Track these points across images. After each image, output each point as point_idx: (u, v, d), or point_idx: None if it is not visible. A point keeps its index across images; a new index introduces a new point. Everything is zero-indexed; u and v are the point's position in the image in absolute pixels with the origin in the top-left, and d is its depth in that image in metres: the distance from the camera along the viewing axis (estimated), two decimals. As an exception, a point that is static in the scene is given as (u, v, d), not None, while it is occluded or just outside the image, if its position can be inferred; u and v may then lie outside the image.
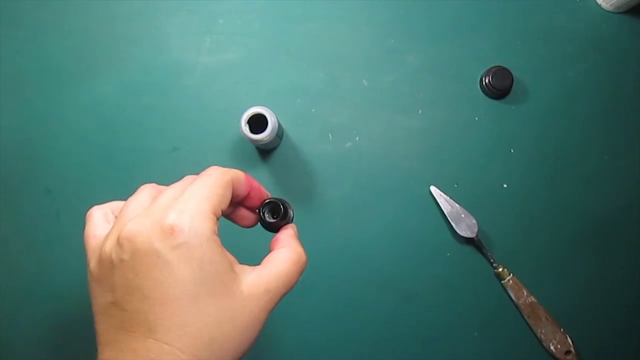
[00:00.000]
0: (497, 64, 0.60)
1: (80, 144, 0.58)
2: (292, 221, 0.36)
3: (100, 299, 0.30)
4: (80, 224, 0.59)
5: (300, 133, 0.59)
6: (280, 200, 0.34)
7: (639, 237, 0.60)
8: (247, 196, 0.34)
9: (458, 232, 0.58)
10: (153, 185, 0.35)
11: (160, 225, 0.28)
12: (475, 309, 0.59)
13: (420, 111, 0.61)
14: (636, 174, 0.61)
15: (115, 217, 0.35)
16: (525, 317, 0.58)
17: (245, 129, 0.50)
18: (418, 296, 0.58)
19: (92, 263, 0.31)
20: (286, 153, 0.59)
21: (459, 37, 0.61)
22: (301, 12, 0.61)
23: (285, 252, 0.33)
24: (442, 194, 0.59)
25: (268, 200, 0.35)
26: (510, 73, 0.60)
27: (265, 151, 0.59)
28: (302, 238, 0.59)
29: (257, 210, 0.35)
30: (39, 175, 0.57)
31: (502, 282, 0.58)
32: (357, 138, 0.60)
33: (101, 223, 0.36)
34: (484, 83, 0.60)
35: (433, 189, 0.59)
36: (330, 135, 0.60)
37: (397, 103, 0.61)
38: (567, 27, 0.63)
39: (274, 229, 0.35)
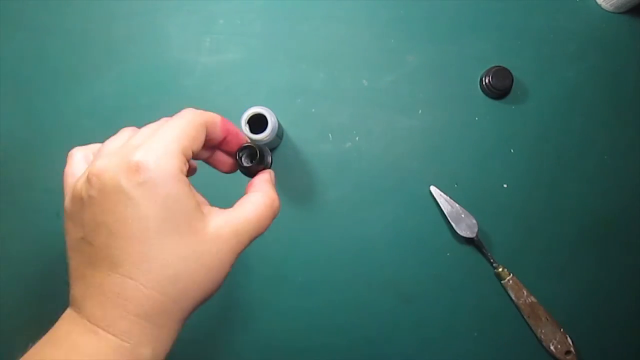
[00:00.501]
0: (497, 64, 0.60)
1: (80, 143, 0.58)
2: (270, 167, 0.37)
3: (72, 234, 0.30)
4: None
5: (300, 133, 0.59)
6: (257, 145, 0.35)
7: (639, 237, 0.60)
8: (224, 140, 0.34)
9: (458, 232, 0.58)
10: (132, 128, 0.36)
11: (127, 162, 0.28)
12: (475, 309, 0.59)
13: (420, 111, 0.61)
14: (636, 174, 0.61)
15: None
16: (525, 317, 0.58)
17: (245, 129, 0.50)
18: (418, 296, 0.58)
19: (67, 200, 0.31)
20: (286, 153, 0.59)
21: (459, 37, 0.61)
22: (301, 12, 0.61)
23: (258, 196, 0.33)
24: (442, 194, 0.59)
25: (245, 145, 0.35)
26: (510, 73, 0.60)
27: (265, 151, 0.59)
28: (302, 238, 0.60)
29: (235, 155, 0.35)
30: (39, 175, 0.57)
31: (502, 282, 0.58)
32: (357, 138, 0.60)
33: (80, 163, 0.36)
34: (484, 83, 0.60)
35: (433, 188, 0.59)
36: (330, 135, 0.60)
37: (397, 103, 0.61)
38: (567, 27, 0.63)
39: (251, 173, 0.35)
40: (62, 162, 0.60)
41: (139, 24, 0.59)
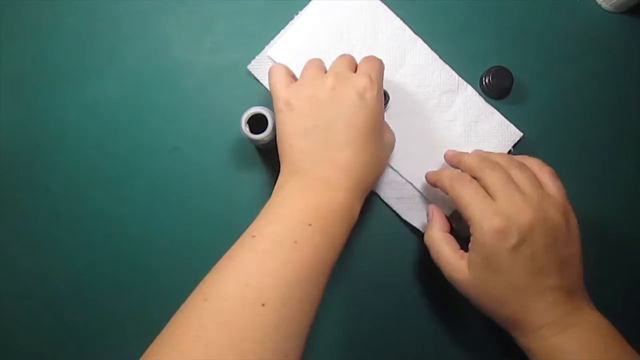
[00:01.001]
0: (497, 64, 0.60)
1: (80, 143, 0.58)
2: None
3: (299, 125, 0.46)
4: (81, 224, 0.60)
5: (300, 133, 0.59)
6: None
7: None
8: None
9: (459, 232, 0.58)
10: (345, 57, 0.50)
11: (364, 84, 0.46)
12: (475, 311, 0.59)
13: (420, 111, 0.61)
14: (636, 174, 0.61)
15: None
16: (525, 317, 0.58)
17: (245, 129, 0.50)
18: (417, 296, 0.58)
19: (295, 97, 0.47)
20: (286, 153, 0.59)
21: (459, 37, 0.61)
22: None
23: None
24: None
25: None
26: (510, 73, 0.60)
27: (265, 151, 0.59)
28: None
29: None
30: (39, 175, 0.57)
31: (502, 282, 0.58)
32: (357, 138, 0.60)
33: (288, 76, 0.50)
34: (484, 83, 0.60)
35: (433, 189, 0.59)
36: (330, 135, 0.60)
37: (397, 103, 0.61)
38: (567, 27, 0.63)
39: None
40: (62, 162, 0.60)
41: (139, 24, 0.59)
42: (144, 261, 0.57)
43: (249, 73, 0.59)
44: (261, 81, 0.59)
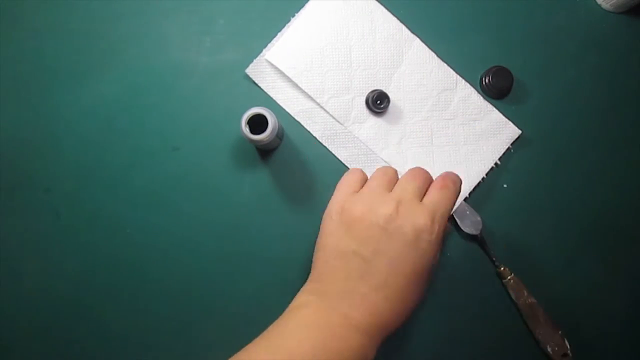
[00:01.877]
0: (497, 64, 0.60)
1: (80, 144, 0.58)
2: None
3: (342, 243, 0.41)
4: (81, 224, 0.60)
5: (300, 133, 0.59)
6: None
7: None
8: None
9: (462, 228, 0.58)
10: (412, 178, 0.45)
11: (427, 223, 0.40)
12: (475, 308, 0.59)
13: (420, 111, 0.61)
14: (637, 174, 0.61)
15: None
16: (524, 317, 0.58)
17: (245, 129, 0.50)
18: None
19: (348, 210, 0.42)
20: (286, 153, 0.59)
21: (459, 37, 0.61)
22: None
23: None
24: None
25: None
26: (510, 73, 0.60)
27: (265, 151, 0.59)
28: (301, 238, 0.59)
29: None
30: (39, 175, 0.57)
31: (503, 281, 0.58)
32: (357, 138, 0.60)
33: (358, 183, 0.46)
34: (484, 83, 0.60)
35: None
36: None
37: (397, 103, 0.61)
38: (567, 27, 0.63)
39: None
40: (62, 162, 0.60)
41: (139, 24, 0.59)
42: (144, 261, 0.57)
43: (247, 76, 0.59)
44: (260, 85, 0.59)
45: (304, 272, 0.57)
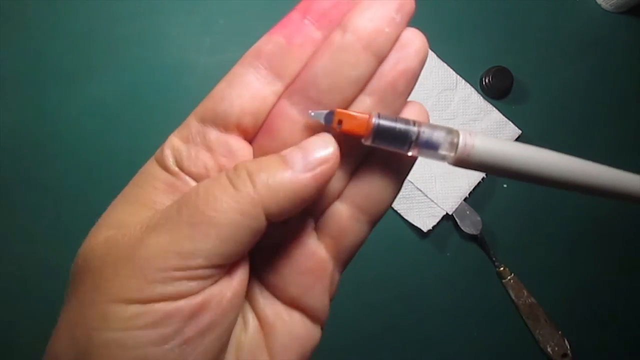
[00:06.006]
0: (497, 64, 0.60)
1: (80, 144, 0.58)
2: None
3: None
4: (81, 224, 0.59)
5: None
6: None
7: None
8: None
9: (462, 228, 0.58)
10: None
11: None
12: (475, 308, 0.59)
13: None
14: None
15: None
16: (524, 317, 0.58)
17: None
18: (418, 294, 0.58)
19: None
20: (286, 153, 0.59)
21: (459, 37, 0.61)
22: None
23: None
24: (442, 194, 0.59)
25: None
26: (510, 73, 0.60)
27: (265, 151, 0.59)
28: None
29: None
30: (39, 175, 0.57)
31: (503, 281, 0.58)
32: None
33: None
34: (484, 83, 0.60)
35: (433, 189, 0.59)
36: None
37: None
38: (567, 27, 0.63)
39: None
40: (62, 162, 0.60)
41: (139, 24, 0.59)
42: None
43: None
44: None
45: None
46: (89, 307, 0.15)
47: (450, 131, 0.18)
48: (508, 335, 0.59)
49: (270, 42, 0.18)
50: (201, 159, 0.17)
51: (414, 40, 0.19)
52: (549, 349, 0.57)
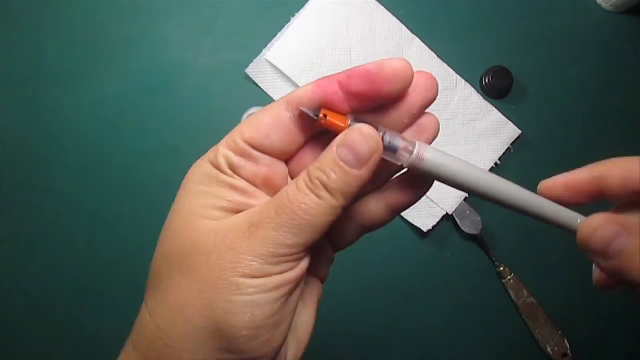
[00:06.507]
0: (497, 64, 0.60)
1: (80, 144, 0.58)
2: None
3: None
4: (81, 224, 0.59)
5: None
6: None
7: None
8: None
9: (462, 228, 0.58)
10: None
11: None
12: (475, 308, 0.59)
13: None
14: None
15: None
16: (524, 317, 0.58)
17: (245, 129, 0.50)
18: (418, 293, 0.58)
19: None
20: (286, 153, 0.59)
21: (459, 37, 0.61)
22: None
23: None
24: (442, 194, 0.59)
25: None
26: (510, 73, 0.60)
27: (265, 151, 0.59)
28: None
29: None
30: (39, 175, 0.57)
31: (503, 281, 0.58)
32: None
33: None
34: (484, 83, 0.60)
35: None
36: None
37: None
38: (567, 27, 0.63)
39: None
40: (62, 162, 0.60)
41: (139, 24, 0.59)
42: (144, 261, 0.57)
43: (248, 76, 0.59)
44: (260, 85, 0.59)
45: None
46: (219, 281, 0.21)
47: (409, 142, 0.23)
48: (508, 335, 0.59)
49: (304, 90, 0.23)
50: (249, 167, 0.23)
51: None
52: (549, 349, 0.57)
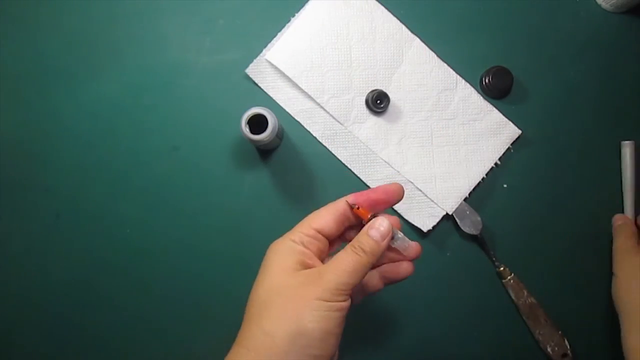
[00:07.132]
0: (497, 64, 0.60)
1: (80, 144, 0.58)
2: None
3: None
4: (81, 224, 0.59)
5: (300, 133, 0.59)
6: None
7: None
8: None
9: (462, 228, 0.58)
10: None
11: None
12: (475, 308, 0.59)
13: (420, 111, 0.61)
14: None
15: None
16: (524, 317, 0.58)
17: (245, 129, 0.50)
18: (418, 293, 0.58)
19: None
20: (286, 153, 0.59)
21: (459, 37, 0.61)
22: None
23: None
24: (442, 194, 0.59)
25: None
26: (510, 73, 0.60)
27: (265, 151, 0.59)
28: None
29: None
30: (38, 175, 0.57)
31: (503, 281, 0.58)
32: (357, 138, 0.60)
33: None
34: (484, 83, 0.60)
35: (433, 189, 0.59)
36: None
37: (397, 103, 0.61)
38: (567, 27, 0.63)
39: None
40: (62, 162, 0.60)
41: (139, 24, 0.59)
42: (144, 260, 0.57)
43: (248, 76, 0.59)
44: (260, 85, 0.59)
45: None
46: (307, 302, 0.34)
47: (401, 236, 0.40)
48: (508, 335, 0.59)
49: (347, 197, 0.40)
50: (315, 245, 0.38)
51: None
52: (549, 349, 0.57)
